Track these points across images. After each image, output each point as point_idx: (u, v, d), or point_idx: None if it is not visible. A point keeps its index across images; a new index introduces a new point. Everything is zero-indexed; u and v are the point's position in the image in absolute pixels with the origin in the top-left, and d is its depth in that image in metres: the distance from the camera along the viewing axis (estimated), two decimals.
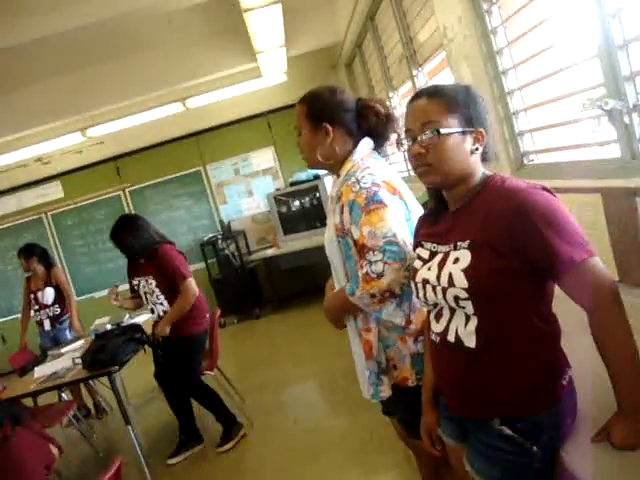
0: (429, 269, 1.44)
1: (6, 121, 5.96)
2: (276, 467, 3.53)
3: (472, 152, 1.39)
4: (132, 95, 6.22)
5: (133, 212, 8.13)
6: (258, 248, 8.09)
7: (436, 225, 1.50)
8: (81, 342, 4.63)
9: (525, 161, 2.68)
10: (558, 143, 2.44)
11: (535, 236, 1.25)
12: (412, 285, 1.53)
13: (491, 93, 2.70)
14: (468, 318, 1.37)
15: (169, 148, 7.99)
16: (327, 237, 2.00)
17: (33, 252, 5.23)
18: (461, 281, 1.32)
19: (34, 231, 8.12)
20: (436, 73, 3.86)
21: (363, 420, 3.57)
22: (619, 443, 1.26)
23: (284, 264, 7.35)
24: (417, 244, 1.57)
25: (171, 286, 3.86)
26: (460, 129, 1.38)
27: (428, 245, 1.50)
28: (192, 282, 3.90)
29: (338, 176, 1.98)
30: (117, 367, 3.64)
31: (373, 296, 1.75)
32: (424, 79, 4.04)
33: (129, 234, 3.89)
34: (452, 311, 1.41)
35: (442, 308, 1.45)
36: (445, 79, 3.50)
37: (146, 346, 4.05)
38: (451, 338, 1.41)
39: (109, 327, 4.38)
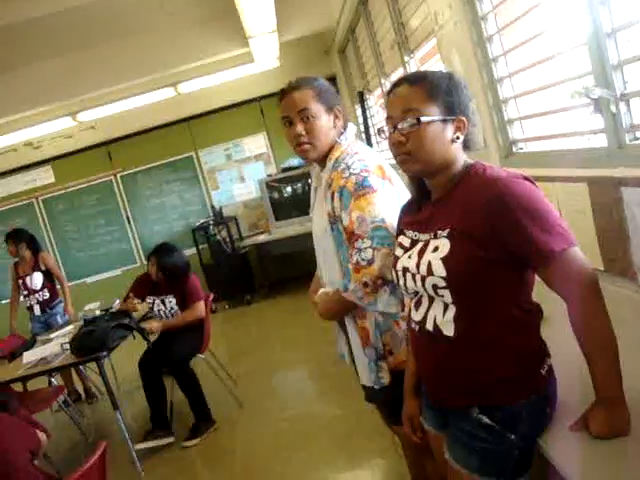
0: (409, 257, 1.43)
1: None
2: (264, 452, 3.55)
3: (453, 141, 1.39)
4: (123, 79, 6.17)
5: (125, 197, 8.12)
6: (250, 234, 8.08)
7: (419, 213, 1.50)
8: (70, 327, 4.62)
9: (514, 149, 2.67)
10: (547, 131, 2.43)
11: (514, 226, 1.25)
12: (393, 273, 1.53)
13: (481, 80, 2.68)
14: (446, 307, 1.37)
15: (161, 133, 7.95)
16: (318, 227, 1.99)
17: (21, 237, 5.20)
18: (440, 270, 1.32)
19: (25, 216, 8.08)
20: (428, 59, 3.84)
21: (351, 406, 3.59)
22: (596, 432, 1.28)
23: (276, 250, 7.34)
24: (400, 232, 1.56)
25: (184, 303, 4.24)
26: (441, 117, 1.37)
27: (410, 233, 1.49)
28: (202, 305, 4.23)
29: (323, 164, 1.97)
30: (105, 353, 3.64)
31: (366, 285, 1.75)
32: (416, 65, 4.02)
33: (174, 256, 4.24)
34: (431, 300, 1.41)
35: (421, 297, 1.45)
36: (436, 66, 3.48)
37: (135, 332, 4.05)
38: (429, 327, 1.41)
39: (98, 313, 4.37)
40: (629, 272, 1.79)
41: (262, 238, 7.54)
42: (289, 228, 7.27)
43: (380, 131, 1.51)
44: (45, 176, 8.12)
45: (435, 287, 1.35)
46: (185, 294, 4.20)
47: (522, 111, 2.59)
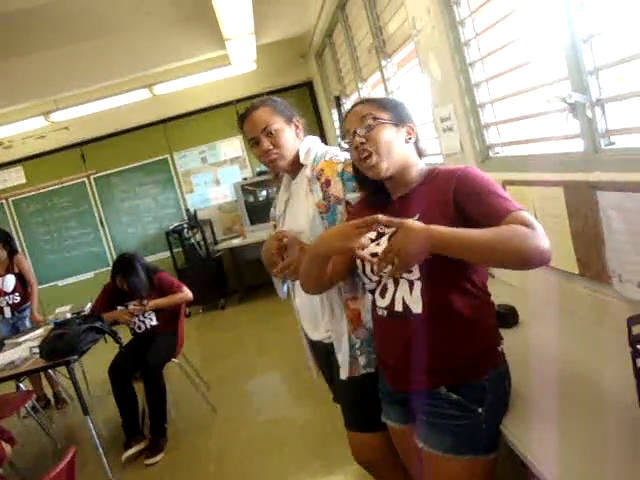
0: (378, 244, 1.56)
1: None
2: (238, 457, 3.51)
3: (407, 141, 1.62)
4: (98, 80, 6.08)
5: (98, 200, 8.01)
6: (224, 238, 8.02)
7: (380, 210, 1.54)
8: (40, 331, 4.52)
9: (490, 153, 2.69)
10: (523, 136, 2.45)
11: (474, 193, 1.45)
12: (358, 262, 1.64)
13: (458, 85, 2.70)
14: (412, 285, 1.50)
15: (136, 135, 7.87)
16: (303, 223, 1.98)
17: None
18: None
19: None
20: (405, 64, 3.84)
21: (325, 411, 3.57)
22: (391, 244, 1.36)
23: (250, 254, 7.29)
24: None
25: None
26: (393, 121, 1.60)
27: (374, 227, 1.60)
28: (186, 288, 4.22)
29: (292, 174, 2.08)
30: (76, 356, 3.56)
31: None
32: (393, 69, 4.03)
33: (138, 270, 4.10)
34: (396, 283, 1.55)
35: (386, 283, 1.57)
36: (414, 70, 3.49)
37: (106, 336, 3.97)
38: (399, 307, 1.53)
39: (69, 316, 4.29)
40: (603, 276, 1.81)
41: (236, 242, 7.49)
42: (264, 232, 7.19)
43: (341, 147, 1.74)
44: (16, 177, 7.96)
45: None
46: (163, 291, 4.15)
47: (499, 116, 2.61)
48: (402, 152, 1.59)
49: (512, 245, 1.29)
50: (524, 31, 2.12)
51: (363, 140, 1.56)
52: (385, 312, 1.57)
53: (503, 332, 1.62)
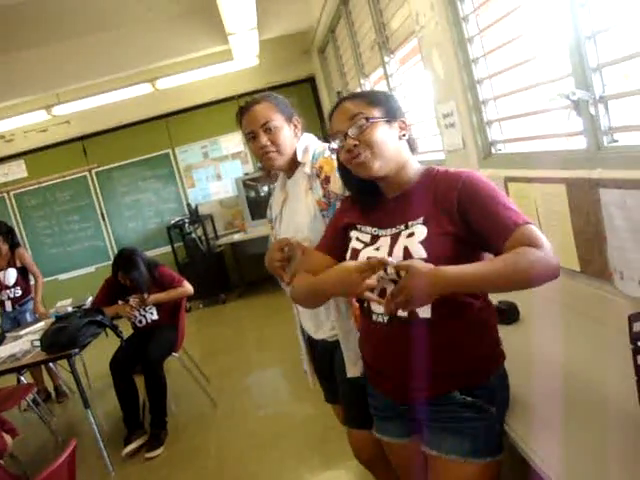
0: (377, 249, 1.49)
1: None
2: (237, 452, 3.52)
3: (400, 138, 1.53)
4: (100, 74, 6.08)
5: (99, 194, 8.01)
6: (225, 232, 8.04)
7: (371, 212, 1.58)
8: (41, 324, 4.53)
9: (492, 150, 2.68)
10: (526, 133, 2.45)
11: (481, 204, 1.38)
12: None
13: (461, 81, 2.69)
14: None
15: (137, 130, 7.86)
16: (301, 222, 1.98)
17: None
18: (419, 252, 1.39)
19: None
20: (408, 60, 3.84)
21: (325, 407, 3.55)
22: (402, 285, 1.29)
23: (251, 249, 7.31)
24: (351, 227, 1.63)
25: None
26: (385, 118, 1.51)
27: (367, 229, 1.57)
28: (187, 283, 4.24)
29: (289, 173, 2.07)
30: (77, 349, 3.56)
31: None
32: (396, 66, 4.02)
33: (139, 265, 4.10)
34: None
35: (385, 288, 1.46)
36: (417, 66, 3.49)
37: (107, 330, 3.98)
38: (403, 313, 1.43)
39: (70, 309, 4.30)
40: (605, 273, 1.81)
41: (238, 237, 7.50)
42: (265, 227, 7.17)
43: (332, 150, 1.61)
44: (17, 170, 7.96)
45: None
46: (164, 286, 4.16)
47: (501, 112, 2.60)
48: (396, 150, 1.51)
49: (523, 274, 1.27)
50: (528, 27, 2.11)
51: (356, 142, 1.47)
52: (385, 319, 1.49)
53: (504, 329, 1.62)
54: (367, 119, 1.48)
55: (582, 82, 1.78)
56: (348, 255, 1.57)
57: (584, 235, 1.89)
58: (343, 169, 1.62)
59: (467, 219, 1.39)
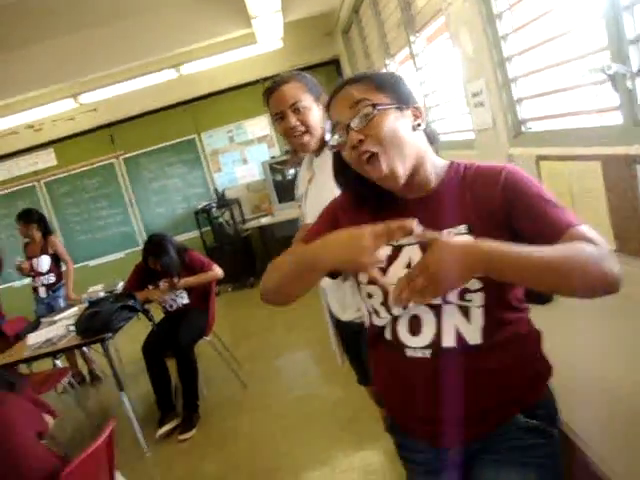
0: (408, 266, 1.23)
1: None
2: (269, 433, 3.56)
3: (415, 128, 1.26)
4: (125, 61, 6.09)
5: (127, 180, 8.09)
6: (252, 216, 8.06)
7: (384, 216, 1.15)
8: (75, 309, 4.61)
9: (523, 128, 2.64)
10: (558, 110, 2.40)
11: (527, 203, 1.17)
12: (367, 290, 1.31)
13: (490, 58, 2.64)
14: (467, 311, 1.20)
15: (163, 115, 7.90)
16: (329, 197, 1.97)
17: (32, 218, 5.20)
18: None
19: (27, 199, 8.03)
20: (434, 39, 3.78)
21: (355, 389, 3.57)
22: (422, 261, 1.05)
23: (278, 232, 7.31)
24: None
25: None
26: (395, 105, 1.24)
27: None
28: (217, 267, 4.28)
29: (317, 153, 2.02)
30: (110, 334, 3.63)
31: None
32: (422, 45, 3.97)
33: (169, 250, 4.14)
34: (436, 311, 1.22)
35: (417, 315, 1.24)
36: (444, 44, 3.43)
37: (139, 314, 4.04)
38: (449, 342, 1.21)
39: (102, 295, 4.37)
40: None
41: (265, 220, 7.53)
42: (292, 210, 7.22)
43: (332, 147, 1.30)
44: (47, 159, 8.07)
45: (464, 292, 1.17)
46: (194, 270, 4.20)
47: (532, 89, 2.55)
48: (413, 144, 1.23)
49: (581, 267, 1.04)
50: (559, 1, 2.06)
51: (361, 137, 1.20)
52: (427, 352, 1.22)
53: (537, 309, 1.42)
54: (374, 106, 1.20)
55: (618, 55, 1.74)
56: (365, 276, 1.29)
57: (620, 213, 1.85)
58: (338, 166, 1.37)
59: (510, 222, 1.18)
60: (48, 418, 2.34)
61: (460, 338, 1.20)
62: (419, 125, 1.26)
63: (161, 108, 7.87)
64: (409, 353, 1.25)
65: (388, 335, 1.30)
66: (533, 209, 1.16)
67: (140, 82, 7.05)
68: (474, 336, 1.20)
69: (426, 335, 1.22)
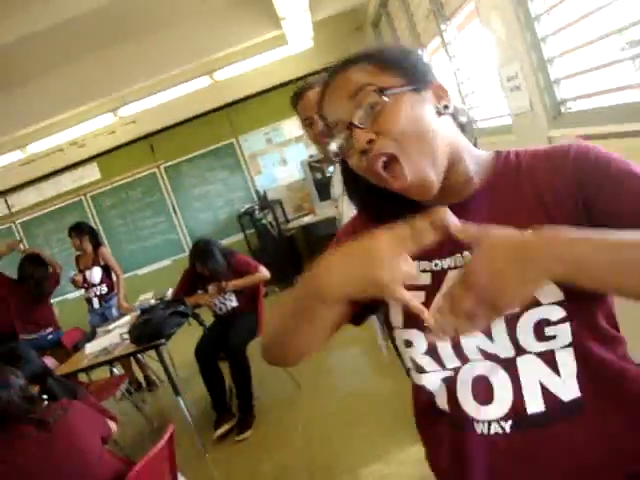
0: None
1: (39, 107, 6.02)
2: (324, 431, 3.58)
3: (440, 112, 0.91)
4: (159, 72, 6.21)
5: (169, 188, 8.22)
6: (295, 216, 8.11)
7: None
8: (128, 318, 4.73)
9: (562, 109, 2.59)
10: (597, 88, 2.35)
11: (610, 184, 0.85)
12: (404, 337, 0.99)
13: (523, 41, 2.60)
14: (552, 355, 0.88)
15: (200, 122, 8.01)
16: None
17: (83, 230, 5.35)
18: (552, 292, 0.84)
19: (75, 213, 8.24)
20: (465, 25, 3.74)
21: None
22: (467, 271, 0.75)
23: (322, 230, 7.33)
24: None
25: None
26: (409, 87, 0.89)
27: (420, 264, 0.95)
28: (264, 268, 4.33)
29: None
30: (163, 340, 3.72)
31: None
32: (453, 33, 3.93)
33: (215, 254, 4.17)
34: (509, 367, 0.89)
35: (483, 375, 0.91)
36: (475, 31, 3.40)
37: (190, 318, 4.12)
38: (537, 406, 0.88)
39: (153, 302, 4.46)
40: None
41: (307, 219, 7.56)
42: (334, 208, 7.22)
43: (335, 155, 0.94)
44: (91, 173, 8.29)
45: (541, 327, 0.86)
46: (242, 273, 4.23)
47: (570, 69, 2.50)
48: (443, 135, 0.90)
49: None
50: None
51: (371, 135, 0.86)
52: (507, 425, 0.89)
53: None
54: (382, 91, 0.87)
55: None
56: (399, 314, 0.98)
57: None
58: (348, 179, 1.03)
59: (590, 213, 0.86)
60: (111, 423, 2.41)
61: (550, 396, 0.87)
62: (446, 107, 0.92)
63: (197, 115, 7.99)
64: (478, 429, 0.91)
65: (443, 404, 0.96)
66: (621, 188, 0.84)
67: (175, 91, 7.17)
68: (568, 390, 0.87)
69: (502, 401, 0.90)
